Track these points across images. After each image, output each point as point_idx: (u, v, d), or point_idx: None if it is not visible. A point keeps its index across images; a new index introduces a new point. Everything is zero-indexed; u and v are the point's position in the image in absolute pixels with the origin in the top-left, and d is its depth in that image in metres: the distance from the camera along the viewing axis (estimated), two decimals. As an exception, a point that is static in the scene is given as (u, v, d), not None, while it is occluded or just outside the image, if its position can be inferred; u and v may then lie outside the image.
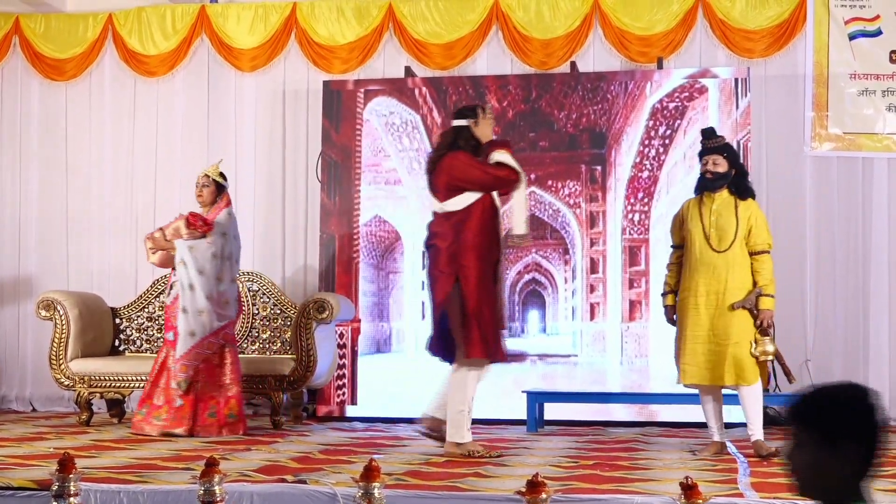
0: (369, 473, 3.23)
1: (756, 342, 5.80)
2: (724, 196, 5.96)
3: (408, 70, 8.56)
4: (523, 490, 3.08)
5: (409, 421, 7.86)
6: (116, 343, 8.06)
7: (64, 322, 7.56)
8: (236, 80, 9.04)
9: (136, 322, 8.09)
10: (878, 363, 8.12)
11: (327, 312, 7.41)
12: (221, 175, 7.12)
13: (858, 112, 8.20)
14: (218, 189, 7.07)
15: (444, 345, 5.80)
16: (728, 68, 8.12)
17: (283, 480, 4.40)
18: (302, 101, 8.91)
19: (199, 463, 4.19)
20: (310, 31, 8.89)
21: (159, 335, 8.05)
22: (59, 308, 7.58)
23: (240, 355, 7.92)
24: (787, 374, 6.28)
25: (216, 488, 3.35)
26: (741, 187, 5.97)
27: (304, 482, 4.32)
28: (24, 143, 9.28)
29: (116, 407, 7.71)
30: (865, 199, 8.24)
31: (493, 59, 8.69)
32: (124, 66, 9.17)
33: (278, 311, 8.03)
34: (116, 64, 9.20)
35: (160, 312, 8.07)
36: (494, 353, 5.73)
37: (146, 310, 8.11)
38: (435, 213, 5.93)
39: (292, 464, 5.16)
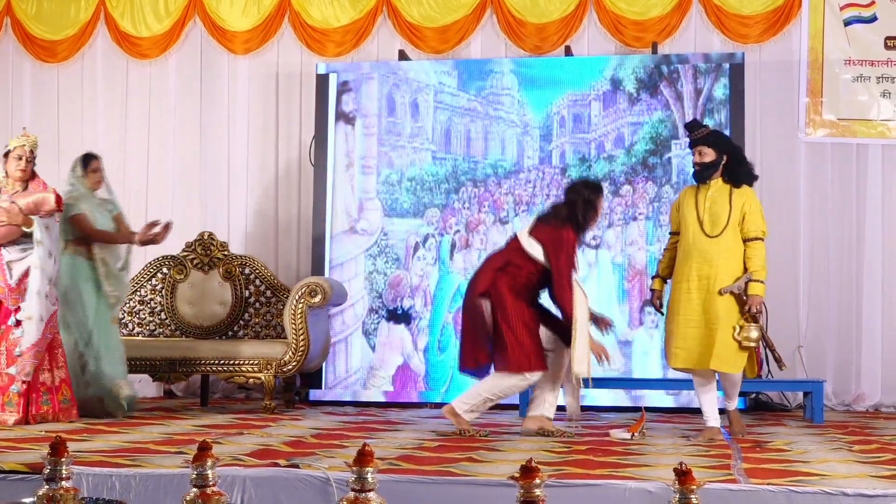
0: (363, 458, 3.22)
1: (741, 327, 5.80)
2: (718, 183, 5.96)
3: (402, 54, 8.53)
4: (517, 475, 3.06)
5: (402, 406, 7.88)
6: (108, 326, 8.03)
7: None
8: (229, 63, 9.01)
9: (128, 305, 8.05)
10: (871, 348, 8.14)
11: (320, 297, 7.39)
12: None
13: (853, 98, 8.19)
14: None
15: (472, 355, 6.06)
16: (723, 53, 8.10)
17: (276, 465, 4.39)
18: (295, 84, 8.88)
19: (192, 447, 4.18)
20: (303, 14, 8.85)
21: (151, 318, 8.03)
22: (50, 291, 7.53)
23: (233, 339, 7.93)
24: (778, 360, 6.23)
25: (209, 472, 3.33)
26: (734, 174, 5.94)
27: (297, 466, 4.32)
28: (15, 125, 9.22)
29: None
30: (859, 185, 8.25)
31: (487, 44, 8.67)
32: (117, 49, 9.14)
33: (271, 295, 8.01)
34: (109, 46, 9.16)
35: (152, 296, 8.05)
36: (527, 366, 5.91)
37: (138, 293, 8.07)
38: (517, 235, 6.18)
39: (285, 448, 5.15)
